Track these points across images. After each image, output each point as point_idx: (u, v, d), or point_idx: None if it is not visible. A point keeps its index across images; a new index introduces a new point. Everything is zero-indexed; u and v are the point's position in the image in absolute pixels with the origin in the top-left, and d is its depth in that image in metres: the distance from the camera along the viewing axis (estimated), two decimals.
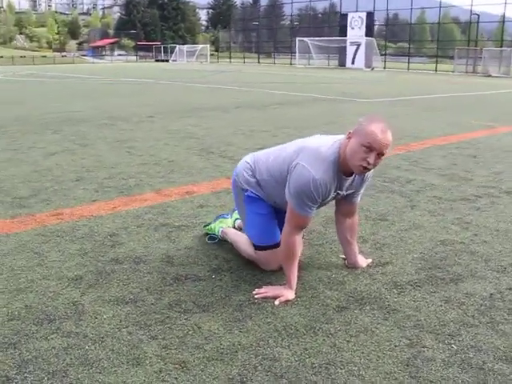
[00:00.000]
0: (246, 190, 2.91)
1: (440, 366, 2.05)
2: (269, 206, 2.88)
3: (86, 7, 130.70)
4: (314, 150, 2.55)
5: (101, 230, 3.62)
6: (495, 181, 4.95)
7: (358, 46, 37.22)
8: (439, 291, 2.68)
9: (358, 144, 2.41)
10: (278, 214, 2.86)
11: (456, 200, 4.31)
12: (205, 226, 3.51)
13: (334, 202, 2.90)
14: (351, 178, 2.61)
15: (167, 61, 57.51)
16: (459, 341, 2.23)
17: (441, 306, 2.53)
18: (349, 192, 2.73)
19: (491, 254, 3.17)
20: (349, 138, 2.49)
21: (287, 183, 2.58)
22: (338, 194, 2.66)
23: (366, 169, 2.46)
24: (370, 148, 2.39)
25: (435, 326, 2.35)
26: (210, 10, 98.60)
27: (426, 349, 2.17)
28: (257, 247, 2.90)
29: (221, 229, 3.33)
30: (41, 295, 2.66)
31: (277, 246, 2.79)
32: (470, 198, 4.38)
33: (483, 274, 2.90)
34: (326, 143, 2.58)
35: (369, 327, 2.34)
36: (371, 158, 2.41)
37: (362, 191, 2.83)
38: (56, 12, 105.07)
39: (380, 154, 2.43)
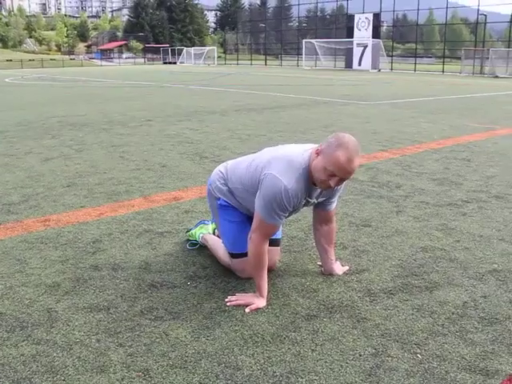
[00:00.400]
0: (219, 199, 2.92)
1: (402, 375, 2.05)
2: (241, 214, 2.89)
3: (94, 10, 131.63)
4: (285, 159, 2.54)
5: (85, 236, 3.64)
6: (486, 185, 4.93)
7: (365, 47, 37.15)
8: (412, 299, 2.68)
9: (322, 166, 2.40)
10: (251, 221, 2.86)
11: (443, 205, 4.29)
12: (186, 232, 3.52)
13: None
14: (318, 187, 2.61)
15: (175, 63, 57.68)
16: (425, 350, 2.22)
17: (412, 314, 2.53)
18: (320, 200, 2.73)
19: (471, 261, 3.16)
20: (317, 153, 2.46)
21: (258, 192, 2.57)
22: (308, 201, 2.66)
23: (329, 187, 2.47)
24: (332, 174, 2.39)
25: (403, 335, 2.34)
26: (218, 12, 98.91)
27: (390, 358, 2.17)
28: (231, 255, 2.91)
29: (201, 235, 3.35)
30: (17, 302, 2.69)
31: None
32: (458, 203, 4.36)
33: (460, 281, 2.89)
34: (297, 152, 2.57)
35: (336, 336, 2.34)
36: (333, 182, 2.42)
37: (335, 199, 2.83)
38: (65, 15, 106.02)
39: (342, 180, 2.43)
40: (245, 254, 2.79)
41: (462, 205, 4.30)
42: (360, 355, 2.19)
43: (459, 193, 4.67)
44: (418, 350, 2.22)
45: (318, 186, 2.53)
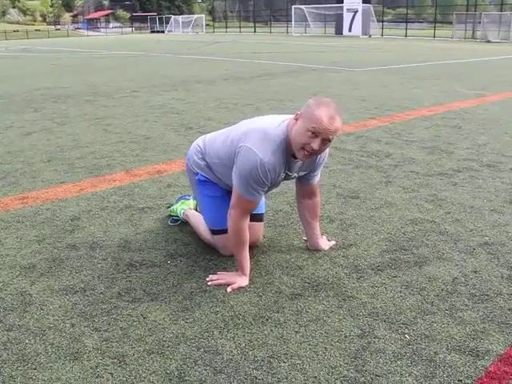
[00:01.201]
0: (197, 174, 2.80)
1: (389, 358, 1.96)
2: (221, 188, 2.77)
3: None
4: (260, 131, 2.41)
5: (63, 214, 3.52)
6: (477, 153, 4.82)
7: (355, 12, 36.52)
8: (401, 275, 2.58)
9: (304, 128, 2.27)
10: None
11: (433, 175, 4.18)
12: (168, 208, 3.40)
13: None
14: (299, 160, 2.48)
15: (163, 32, 56.74)
16: (413, 330, 2.13)
17: (400, 292, 2.43)
18: (301, 173, 2.60)
19: (461, 234, 3.06)
20: (296, 119, 2.35)
21: (234, 166, 2.45)
22: (288, 175, 2.53)
23: (310, 154, 2.33)
24: (314, 133, 2.25)
25: (390, 314, 2.25)
26: None
27: (377, 339, 2.07)
28: (212, 231, 2.80)
29: (182, 211, 3.23)
30: None
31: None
32: (449, 172, 4.25)
33: (450, 255, 2.79)
34: (273, 123, 2.43)
35: (320, 316, 2.24)
36: (315, 144, 2.27)
37: (318, 172, 2.71)
38: None
39: (326, 140, 2.29)
40: (226, 231, 2.66)
41: (453, 174, 4.19)
42: (345, 337, 2.09)
43: (450, 162, 4.56)
44: (406, 330, 2.13)
45: (298, 157, 2.38)
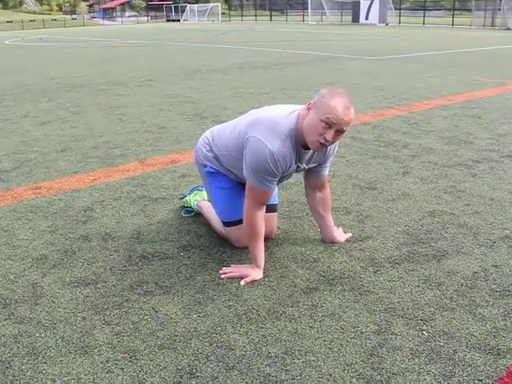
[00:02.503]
0: (206, 166, 2.75)
1: (406, 355, 1.90)
2: (231, 180, 2.72)
3: None
4: (269, 121, 2.34)
5: (76, 204, 3.49)
6: (497, 144, 4.70)
7: (372, 0, 36.05)
8: (419, 269, 2.51)
9: (317, 118, 2.20)
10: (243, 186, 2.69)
11: (452, 166, 4.09)
12: (181, 199, 3.36)
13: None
14: (310, 151, 2.41)
15: (178, 20, 56.61)
16: (432, 326, 2.07)
17: (418, 286, 2.36)
18: (311, 165, 2.54)
19: (481, 227, 2.97)
20: (308, 109, 2.27)
21: (244, 157, 2.39)
22: (298, 166, 2.47)
23: (323, 145, 2.26)
24: (329, 124, 2.19)
25: (408, 309, 2.18)
26: None
27: (394, 336, 2.01)
28: (224, 223, 2.75)
29: (196, 202, 3.19)
30: (1, 277, 2.55)
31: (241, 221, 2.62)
32: (468, 163, 4.15)
33: (469, 249, 2.71)
34: (282, 113, 2.37)
35: (336, 311, 2.18)
36: (329, 135, 2.20)
37: (328, 164, 2.64)
38: None
39: (339, 131, 2.22)
40: (238, 222, 2.62)
41: (472, 165, 4.09)
42: (362, 333, 2.03)
43: (469, 152, 4.45)
44: (424, 327, 2.06)
45: (311, 147, 2.32)
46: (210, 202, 3.10)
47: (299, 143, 2.34)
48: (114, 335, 2.07)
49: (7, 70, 12.13)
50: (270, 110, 2.48)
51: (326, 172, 2.68)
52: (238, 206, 2.55)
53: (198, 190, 3.28)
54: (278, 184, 2.57)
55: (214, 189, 2.77)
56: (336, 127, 2.19)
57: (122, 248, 2.82)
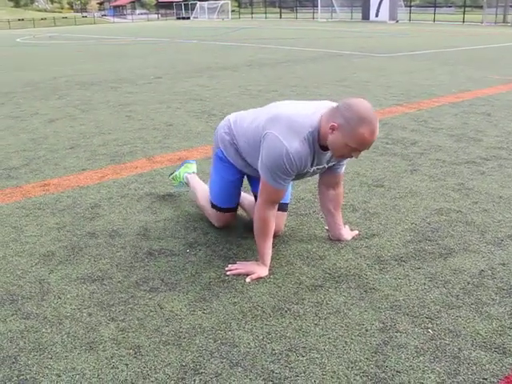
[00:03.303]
0: (219, 148, 2.79)
1: (411, 353, 1.89)
2: (236, 172, 2.77)
3: None
4: (288, 118, 2.31)
5: (84, 201, 3.51)
6: (507, 141, 4.66)
7: None
8: (425, 267, 2.49)
9: (344, 143, 2.18)
10: (241, 182, 2.86)
11: (461, 163, 4.06)
12: (170, 176, 3.50)
13: None
14: (329, 152, 2.39)
15: (188, 18, 56.65)
16: (437, 324, 2.06)
17: (424, 284, 2.35)
18: (331, 164, 2.53)
19: (489, 225, 2.95)
20: (332, 129, 2.20)
21: (260, 153, 2.38)
22: (318, 168, 2.47)
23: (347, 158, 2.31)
24: (355, 150, 2.20)
25: (414, 307, 2.17)
26: None
27: (399, 334, 2.00)
28: (213, 205, 2.89)
29: (185, 174, 3.32)
30: (9, 273, 2.57)
31: (231, 210, 2.88)
32: (477, 160, 4.12)
33: (477, 247, 2.69)
34: (303, 112, 2.33)
35: (341, 308, 2.18)
36: (355, 155, 2.24)
37: (345, 162, 2.62)
38: None
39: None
40: (225, 210, 2.86)
41: (481, 163, 4.07)
42: (366, 330, 2.03)
43: (478, 150, 4.42)
44: (430, 325, 2.05)
45: (334, 156, 2.35)
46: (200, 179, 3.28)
47: (319, 144, 2.31)
48: (119, 331, 2.08)
49: (18, 68, 12.21)
50: (291, 106, 2.44)
51: (343, 170, 2.67)
52: (232, 198, 2.78)
53: (188, 162, 3.41)
54: (297, 180, 2.59)
55: (217, 175, 2.83)
56: (363, 149, 2.22)
57: (129, 245, 2.83)
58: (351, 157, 2.28)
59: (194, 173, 3.34)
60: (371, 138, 2.15)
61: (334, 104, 2.31)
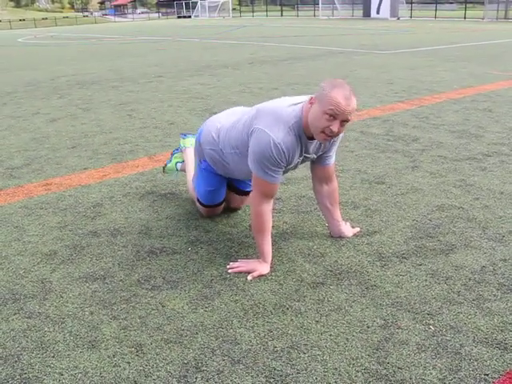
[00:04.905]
0: (204, 161, 2.88)
1: (412, 350, 1.89)
2: (220, 179, 2.91)
3: None
4: (272, 112, 2.36)
5: (86, 200, 3.51)
6: (508, 137, 4.66)
7: None
8: (426, 264, 2.50)
9: (321, 111, 2.22)
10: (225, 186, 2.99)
11: (462, 160, 4.06)
12: (164, 170, 3.61)
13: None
14: (315, 140, 2.42)
15: (189, 17, 56.62)
16: (439, 321, 2.06)
17: (425, 280, 2.35)
18: (319, 154, 2.55)
19: (490, 221, 2.95)
20: (311, 103, 2.29)
21: (249, 148, 2.41)
22: (306, 157, 2.48)
23: (330, 137, 2.27)
24: (333, 116, 2.20)
25: (415, 303, 2.18)
26: None
27: (400, 330, 2.01)
28: (199, 201, 3.04)
29: (179, 164, 3.47)
30: (11, 273, 2.58)
31: (217, 204, 3.02)
32: (478, 157, 4.12)
33: (478, 243, 2.69)
34: (286, 104, 2.39)
35: (342, 305, 2.18)
36: (334, 126, 2.22)
37: (333, 152, 2.63)
38: None
39: (344, 121, 2.23)
40: (212, 206, 3.02)
41: (482, 159, 4.06)
42: (368, 327, 2.03)
43: (479, 146, 4.42)
44: (431, 321, 2.05)
45: (318, 140, 2.35)
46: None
47: (304, 134, 2.36)
48: (121, 329, 2.09)
49: (20, 68, 12.23)
50: (273, 102, 2.50)
51: (332, 161, 2.66)
52: (218, 197, 2.94)
53: (176, 152, 3.51)
54: (286, 173, 2.60)
55: (202, 180, 2.96)
56: (340, 118, 2.21)
57: (131, 243, 2.83)
58: (331, 134, 2.26)
59: (184, 161, 3.44)
60: (345, 103, 2.18)
61: None
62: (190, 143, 3.41)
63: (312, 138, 2.39)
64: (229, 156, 2.66)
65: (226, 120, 2.74)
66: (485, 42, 15.38)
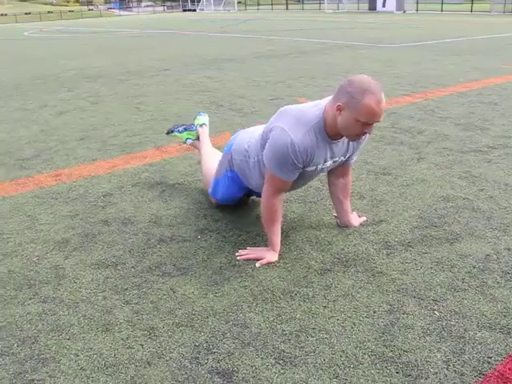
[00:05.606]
0: (232, 171, 2.83)
1: (418, 334, 1.95)
2: (244, 189, 2.91)
3: None
4: (295, 113, 2.35)
5: (96, 190, 3.57)
6: None
7: None
8: (431, 252, 2.55)
9: (353, 119, 2.19)
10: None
11: (467, 152, 4.10)
12: (168, 133, 3.66)
13: None
14: (342, 140, 2.41)
15: (194, 10, 56.53)
16: (443, 306, 2.11)
17: (430, 268, 2.40)
18: (348, 155, 2.56)
19: (495, 211, 3.00)
20: (339, 109, 2.23)
21: (267, 144, 2.40)
22: (334, 162, 2.50)
23: (361, 136, 2.33)
24: (367, 123, 2.21)
25: (420, 290, 2.23)
26: None
27: (406, 315, 2.06)
28: (213, 198, 3.09)
29: (189, 140, 3.56)
30: (25, 259, 2.64)
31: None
32: (483, 149, 4.15)
33: (482, 232, 2.74)
34: (307, 107, 2.39)
35: (349, 291, 2.23)
36: (368, 129, 2.25)
37: (358, 152, 2.65)
38: None
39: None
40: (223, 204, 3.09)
41: (488, 151, 4.10)
42: (374, 312, 2.09)
43: (485, 138, 4.45)
44: (436, 307, 2.11)
45: (349, 139, 2.39)
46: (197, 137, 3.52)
47: (326, 136, 2.34)
48: (133, 314, 2.15)
49: (26, 61, 12.29)
50: (295, 105, 2.48)
51: (355, 159, 2.70)
52: (233, 201, 3.02)
53: (191, 129, 3.55)
54: (314, 177, 2.70)
55: (224, 187, 2.92)
56: (373, 122, 2.22)
57: (141, 232, 2.89)
58: (365, 133, 2.29)
59: (197, 140, 3.51)
60: (378, 108, 2.16)
61: None
62: (194, 136, 3.54)
63: (335, 138, 2.37)
64: (251, 165, 2.65)
65: (257, 132, 2.68)
66: (491, 35, 15.34)
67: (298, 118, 2.32)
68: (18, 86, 8.41)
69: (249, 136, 2.73)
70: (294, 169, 2.37)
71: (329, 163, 2.48)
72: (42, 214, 3.21)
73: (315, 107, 2.37)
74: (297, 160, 2.31)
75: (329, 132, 2.33)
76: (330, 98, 2.36)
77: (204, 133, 3.48)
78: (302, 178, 2.53)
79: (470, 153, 4.07)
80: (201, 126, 3.52)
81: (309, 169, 2.44)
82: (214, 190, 3.02)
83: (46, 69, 10.48)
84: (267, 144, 2.40)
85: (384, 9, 35.63)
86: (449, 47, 11.93)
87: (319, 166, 2.46)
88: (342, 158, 2.54)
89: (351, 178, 2.84)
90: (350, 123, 2.22)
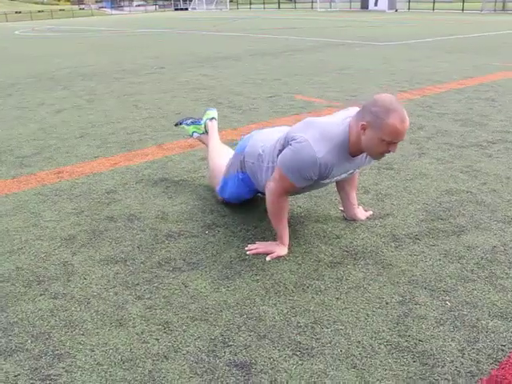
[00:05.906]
0: (243, 173, 2.81)
1: (431, 324, 1.96)
2: (254, 191, 2.89)
3: None
4: (321, 126, 2.33)
5: (99, 187, 3.57)
6: None
7: None
8: (439, 244, 2.57)
9: (378, 138, 2.18)
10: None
11: (468, 146, 4.13)
12: (176, 125, 3.72)
13: None
14: (360, 156, 2.41)
15: (186, 9, 56.41)
16: (454, 297, 2.13)
17: (439, 260, 2.42)
18: (365, 165, 2.58)
19: (498, 204, 3.03)
20: (363, 128, 2.21)
21: (286, 150, 2.37)
22: (350, 174, 2.51)
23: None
24: (391, 142, 2.20)
25: (430, 281, 2.25)
26: None
27: (418, 306, 2.08)
28: (221, 195, 3.08)
29: (195, 134, 3.58)
30: (33, 256, 2.63)
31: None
32: (483, 144, 4.19)
33: (488, 225, 2.77)
34: (333, 120, 2.37)
35: (361, 283, 2.25)
36: (393, 148, 2.24)
37: None
38: None
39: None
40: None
41: (488, 146, 4.13)
42: (386, 303, 2.10)
43: (484, 133, 4.49)
44: (447, 297, 2.13)
45: (373, 159, 2.40)
46: (205, 130, 3.53)
47: (348, 153, 2.33)
48: (146, 309, 2.15)
49: (20, 60, 12.23)
50: (321, 118, 2.47)
51: None
52: (241, 200, 3.00)
53: (198, 123, 3.57)
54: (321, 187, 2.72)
55: (234, 187, 2.91)
56: (398, 141, 2.22)
57: (148, 227, 2.89)
58: (389, 151, 2.26)
59: (204, 134, 3.53)
60: (403, 127, 2.15)
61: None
62: (200, 130, 3.55)
63: (355, 155, 2.36)
64: (264, 169, 2.64)
65: (272, 136, 2.67)
66: (483, 33, 15.43)
67: (323, 132, 2.29)
68: (13, 84, 8.37)
69: (263, 139, 2.71)
70: (309, 179, 2.36)
71: (343, 175, 2.49)
72: (47, 211, 3.20)
73: (340, 123, 2.34)
74: (314, 173, 2.31)
75: (351, 149, 2.31)
76: (354, 111, 2.35)
77: (213, 127, 3.49)
78: (314, 187, 2.56)
79: (471, 148, 4.10)
80: (210, 119, 3.52)
81: (324, 181, 2.45)
82: (223, 189, 3.01)
83: (41, 67, 10.43)
84: (287, 150, 2.36)
85: (376, 8, 35.69)
86: (442, 45, 11.99)
87: (333, 179, 2.48)
88: (357, 170, 2.57)
89: (358, 173, 2.86)
90: (375, 142, 2.21)
